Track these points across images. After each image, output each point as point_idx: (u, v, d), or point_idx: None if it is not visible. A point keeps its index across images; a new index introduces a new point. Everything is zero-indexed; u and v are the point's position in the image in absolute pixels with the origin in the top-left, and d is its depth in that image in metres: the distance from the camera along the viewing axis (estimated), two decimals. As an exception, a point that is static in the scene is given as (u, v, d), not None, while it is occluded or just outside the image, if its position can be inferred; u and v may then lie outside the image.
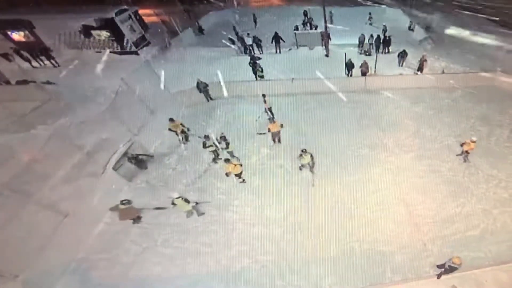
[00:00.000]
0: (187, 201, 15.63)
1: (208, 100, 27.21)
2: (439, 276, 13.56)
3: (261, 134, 21.75)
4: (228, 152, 19.76)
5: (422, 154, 21.23)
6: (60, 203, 15.10)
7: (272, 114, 23.89)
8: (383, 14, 52.12)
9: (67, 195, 15.79)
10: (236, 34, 39.91)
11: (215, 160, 20.34)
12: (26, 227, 13.94)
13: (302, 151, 16.87)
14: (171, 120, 20.50)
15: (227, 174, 18.16)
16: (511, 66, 30.74)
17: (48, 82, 25.89)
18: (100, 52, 34.01)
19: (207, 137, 19.25)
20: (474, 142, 17.69)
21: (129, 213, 15.44)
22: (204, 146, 19.31)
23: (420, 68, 30.36)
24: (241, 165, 18.29)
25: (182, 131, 21.35)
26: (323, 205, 17.65)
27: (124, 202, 14.73)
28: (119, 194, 17.65)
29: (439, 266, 13.84)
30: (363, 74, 29.33)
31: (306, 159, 17.04)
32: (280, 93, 27.31)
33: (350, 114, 25.44)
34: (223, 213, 17.24)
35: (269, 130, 20.86)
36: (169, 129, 20.82)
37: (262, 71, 28.67)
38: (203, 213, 16.31)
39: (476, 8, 47.85)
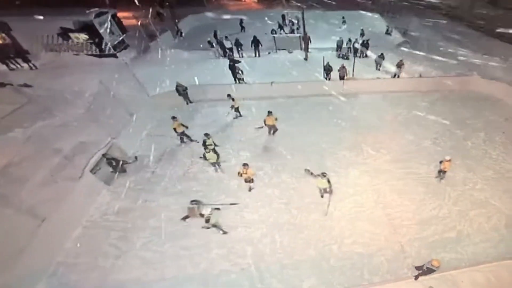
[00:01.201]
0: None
1: (187, 103, 27.91)
2: (416, 277, 14.13)
3: (258, 128, 23.51)
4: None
5: (400, 156, 22.14)
6: (38, 206, 15.37)
7: (239, 113, 25.58)
8: (361, 18, 54.19)
9: (45, 199, 16.06)
10: (216, 37, 40.66)
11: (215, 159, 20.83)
12: (3, 231, 14.15)
13: (321, 174, 16.81)
14: (174, 118, 21.36)
15: (240, 174, 18.69)
16: (487, 70, 32.62)
17: (26, 85, 26.03)
18: (78, 55, 34.53)
19: (207, 135, 20.21)
20: (448, 161, 18.24)
21: (193, 212, 16.05)
22: (204, 144, 20.09)
23: (398, 72, 31.94)
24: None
25: (182, 132, 22.17)
26: (302, 207, 18.33)
27: (192, 202, 15.84)
28: (97, 198, 18.24)
29: (417, 268, 14.48)
30: (341, 77, 30.48)
31: (323, 183, 16.99)
32: (259, 96, 28.41)
33: (329, 117, 26.42)
34: (202, 216, 17.46)
35: (265, 123, 22.36)
36: (174, 129, 21.69)
37: (241, 74, 29.52)
38: (225, 232, 16.61)
39: (452, 13, 49.27)
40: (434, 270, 13.15)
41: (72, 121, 21.07)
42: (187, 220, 16.88)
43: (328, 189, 17.82)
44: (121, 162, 19.95)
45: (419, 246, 16.54)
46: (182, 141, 22.92)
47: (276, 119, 22.29)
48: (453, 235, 17.07)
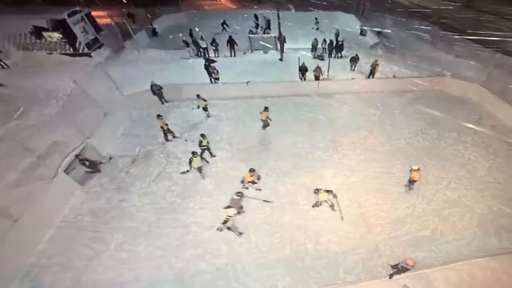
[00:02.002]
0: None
1: (162, 103, 28.27)
2: (391, 276, 14.62)
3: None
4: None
5: (374, 156, 22.83)
6: (11, 207, 15.55)
7: (208, 112, 26.11)
8: (336, 19, 55.59)
9: (17, 199, 16.35)
10: (191, 36, 41.15)
11: (202, 156, 21.52)
12: (-25, 232, 14.21)
13: (316, 190, 17.26)
14: (159, 116, 21.83)
15: (242, 182, 19.35)
16: (460, 71, 33.82)
17: (-2, 84, 25.87)
18: (51, 53, 34.69)
19: (203, 136, 20.85)
20: (416, 170, 18.34)
21: (237, 203, 16.88)
22: (200, 144, 20.73)
23: (372, 73, 32.71)
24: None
25: (168, 130, 22.60)
26: (277, 207, 18.80)
27: (238, 194, 16.77)
28: (71, 198, 18.47)
29: (393, 266, 14.99)
30: (317, 78, 31.14)
31: (323, 196, 17.28)
32: (235, 96, 29.03)
33: (304, 117, 27.05)
34: (177, 216, 18.04)
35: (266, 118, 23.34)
36: (161, 127, 22.08)
37: (217, 74, 30.03)
38: (241, 233, 17.01)
39: (426, 15, 50.35)
40: (409, 269, 13.59)
41: (46, 120, 21.22)
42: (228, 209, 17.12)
43: (329, 201, 18.39)
44: (95, 162, 20.12)
45: (393, 244, 17.05)
46: (166, 139, 23.35)
47: (266, 116, 23.62)
48: (427, 234, 17.60)
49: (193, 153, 18.86)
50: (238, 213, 17.26)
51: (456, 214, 18.81)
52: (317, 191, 17.36)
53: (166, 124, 22.47)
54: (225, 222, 15.99)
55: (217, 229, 17.10)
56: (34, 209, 15.98)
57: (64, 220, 17.38)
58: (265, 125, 24.86)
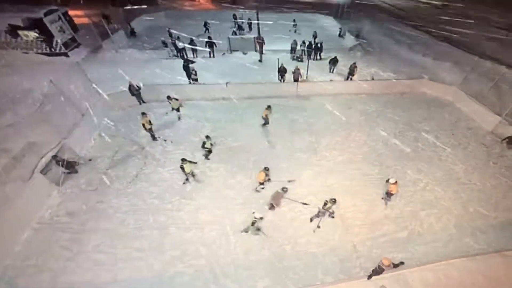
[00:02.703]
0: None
1: (140, 103, 28.46)
2: (369, 277, 14.92)
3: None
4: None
5: (352, 158, 23.42)
6: (-15, 208, 15.40)
7: (180, 114, 26.36)
8: (315, 21, 56.93)
9: (-8, 200, 16.22)
10: (171, 36, 41.72)
11: (207, 157, 22.22)
12: None
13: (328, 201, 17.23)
14: (143, 114, 22.04)
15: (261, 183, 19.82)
16: (437, 73, 35.06)
17: (-29, 83, 25.75)
18: (27, 53, 34.50)
19: (208, 137, 21.35)
20: (394, 184, 18.32)
21: (279, 197, 17.58)
22: (203, 145, 21.22)
23: (350, 75, 33.44)
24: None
25: (150, 129, 22.78)
26: (256, 208, 18.89)
27: (284, 189, 17.61)
28: (48, 199, 18.55)
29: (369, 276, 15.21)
30: (295, 79, 31.69)
31: (329, 207, 17.42)
32: (214, 97, 29.49)
33: (283, 119, 27.54)
34: (156, 218, 18.26)
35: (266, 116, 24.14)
36: (142, 124, 22.24)
37: (196, 75, 30.37)
38: (264, 234, 17.25)
39: (404, 17, 51.40)
40: (383, 270, 13.94)
41: (21, 120, 21.17)
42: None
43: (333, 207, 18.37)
44: (72, 163, 20.29)
45: (371, 245, 17.51)
46: (154, 138, 23.68)
47: (266, 114, 24.64)
48: (404, 235, 18.13)
49: (183, 160, 19.00)
50: (273, 207, 18.22)
51: (433, 215, 19.37)
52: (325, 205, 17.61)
53: (150, 123, 22.70)
54: (253, 224, 16.50)
55: (242, 232, 17.52)
56: (9, 211, 16.05)
57: (40, 222, 17.44)
58: (265, 123, 25.72)
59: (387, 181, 18.90)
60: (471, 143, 25.20)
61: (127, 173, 21.09)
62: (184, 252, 16.57)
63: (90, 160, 21.69)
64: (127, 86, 26.44)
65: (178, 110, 26.00)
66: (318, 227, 18.16)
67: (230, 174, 21.53)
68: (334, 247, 17.32)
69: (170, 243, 16.94)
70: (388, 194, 19.38)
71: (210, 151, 22.08)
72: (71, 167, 20.25)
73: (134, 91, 26.91)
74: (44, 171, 18.64)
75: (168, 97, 24.55)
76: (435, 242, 17.96)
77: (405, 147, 24.84)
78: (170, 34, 43.85)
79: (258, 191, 19.77)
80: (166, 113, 26.26)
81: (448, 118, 28.66)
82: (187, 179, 20.21)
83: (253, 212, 16.54)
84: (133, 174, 21.00)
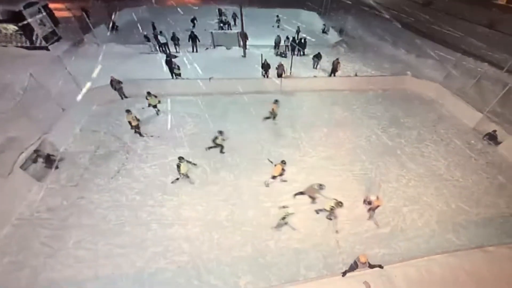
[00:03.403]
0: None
1: (122, 98, 28.30)
2: (344, 273, 14.83)
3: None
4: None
5: (335, 154, 23.54)
6: (-37, 204, 15.09)
7: (158, 110, 26.18)
8: (299, 17, 56.84)
9: (-29, 196, 15.93)
10: (155, 28, 42.13)
11: (222, 151, 22.46)
12: None
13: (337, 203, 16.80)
14: (128, 111, 21.73)
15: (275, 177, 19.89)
16: (420, 70, 35.58)
17: None
18: (6, 46, 34.03)
19: (221, 132, 21.27)
20: (376, 200, 17.70)
21: (312, 191, 17.80)
22: (214, 140, 21.27)
23: (334, 71, 33.72)
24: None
25: (137, 126, 22.54)
26: (239, 204, 19.21)
27: (321, 186, 17.68)
28: (28, 195, 18.30)
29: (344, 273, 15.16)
30: (279, 75, 31.87)
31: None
32: (197, 92, 29.34)
33: (266, 114, 27.21)
34: (137, 214, 18.16)
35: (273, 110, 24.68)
36: (129, 122, 22.03)
37: (178, 69, 30.30)
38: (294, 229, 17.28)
39: (388, 14, 51.78)
40: (358, 266, 14.03)
41: (0, 115, 20.74)
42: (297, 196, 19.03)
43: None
44: (51, 158, 19.98)
45: (354, 241, 17.63)
46: (140, 134, 23.51)
47: (273, 108, 25.00)
48: (387, 231, 18.27)
49: (180, 158, 18.82)
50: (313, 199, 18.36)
51: (415, 211, 19.58)
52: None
53: (137, 119, 22.53)
54: (283, 218, 16.63)
55: (274, 227, 17.68)
56: (-12, 206, 15.47)
57: (20, 217, 17.25)
58: (269, 117, 26.10)
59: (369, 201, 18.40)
60: (453, 140, 25.51)
61: (108, 169, 20.95)
62: (166, 248, 16.50)
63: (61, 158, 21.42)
64: (109, 80, 26.26)
65: (155, 106, 25.81)
66: (337, 232, 18.39)
67: (213, 170, 21.55)
68: (317, 243, 17.38)
69: (153, 240, 16.87)
70: (373, 209, 18.60)
71: (222, 146, 22.24)
72: (50, 162, 19.96)
73: (116, 85, 26.74)
74: (24, 167, 18.43)
75: (148, 93, 24.43)
76: (417, 238, 18.13)
77: (388, 143, 25.15)
78: (154, 28, 43.55)
79: (267, 185, 20.34)
80: (143, 107, 26.03)
81: (430, 115, 29.01)
82: (177, 179, 19.93)
83: (283, 207, 16.71)
84: (115, 169, 20.83)
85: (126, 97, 28.38)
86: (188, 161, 19.40)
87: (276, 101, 24.53)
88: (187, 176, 20.09)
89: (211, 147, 22.32)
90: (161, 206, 18.68)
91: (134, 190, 19.60)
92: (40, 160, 19.39)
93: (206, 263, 16.03)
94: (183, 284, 15.11)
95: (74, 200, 18.52)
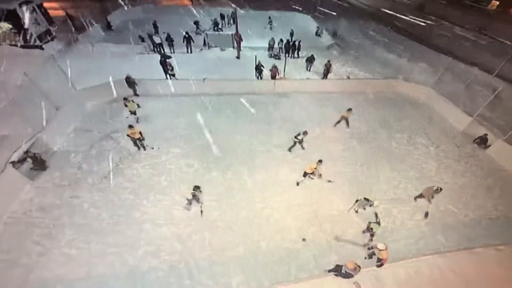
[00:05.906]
0: None
1: (135, 95, 28.22)
2: (329, 271, 15.13)
3: None
4: None
5: (327, 155, 23.30)
6: (-45, 203, 15.03)
7: (137, 117, 25.62)
8: (293, 19, 57.40)
9: (-37, 195, 15.86)
10: (156, 28, 42.18)
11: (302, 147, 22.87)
12: None
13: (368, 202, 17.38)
14: (130, 126, 21.12)
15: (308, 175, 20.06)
16: (412, 74, 35.90)
17: None
18: (0, 45, 33.64)
19: (305, 133, 21.85)
20: (383, 250, 14.37)
21: (430, 193, 18.18)
22: (296, 136, 22.08)
23: (326, 73, 34.27)
24: None
25: (139, 139, 21.99)
26: (232, 204, 19.31)
27: (438, 189, 17.88)
28: (20, 194, 18.31)
29: (330, 271, 15.31)
30: (273, 77, 32.04)
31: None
32: (191, 92, 29.43)
33: (260, 115, 27.71)
34: (130, 213, 18.18)
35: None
36: (127, 135, 21.44)
37: (173, 70, 30.52)
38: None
39: (380, 18, 52.28)
40: (351, 275, 13.92)
41: (-7, 114, 20.67)
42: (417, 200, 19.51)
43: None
44: (41, 159, 19.98)
45: (344, 242, 17.79)
46: (144, 148, 22.91)
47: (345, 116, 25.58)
48: (377, 232, 17.89)
49: (196, 188, 18.15)
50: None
51: (405, 213, 19.80)
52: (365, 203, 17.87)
53: (140, 133, 21.80)
54: (372, 235, 16.83)
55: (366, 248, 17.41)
56: (-20, 205, 15.40)
57: (12, 216, 17.22)
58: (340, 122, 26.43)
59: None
60: (443, 143, 25.90)
61: (102, 168, 20.91)
62: (158, 247, 16.54)
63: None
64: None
65: (135, 113, 25.17)
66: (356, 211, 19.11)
67: (206, 170, 21.58)
68: (308, 244, 17.53)
69: (145, 239, 16.91)
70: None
71: (300, 142, 22.82)
72: (40, 163, 19.87)
73: (130, 85, 26.89)
74: (16, 165, 18.38)
75: (125, 99, 23.70)
76: (406, 239, 18.35)
77: (379, 146, 25.46)
78: (156, 27, 44.07)
79: (298, 184, 20.81)
80: (126, 117, 25.51)
81: (421, 118, 29.41)
82: (190, 204, 19.19)
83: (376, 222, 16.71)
84: (108, 169, 20.78)
85: (137, 95, 28.41)
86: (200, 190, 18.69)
87: (349, 110, 25.26)
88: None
89: (292, 146, 23.03)
90: (154, 205, 18.70)
91: (127, 189, 19.59)
92: (29, 161, 19.23)
93: (198, 262, 16.05)
94: (175, 283, 15.13)
95: (67, 199, 18.49)
